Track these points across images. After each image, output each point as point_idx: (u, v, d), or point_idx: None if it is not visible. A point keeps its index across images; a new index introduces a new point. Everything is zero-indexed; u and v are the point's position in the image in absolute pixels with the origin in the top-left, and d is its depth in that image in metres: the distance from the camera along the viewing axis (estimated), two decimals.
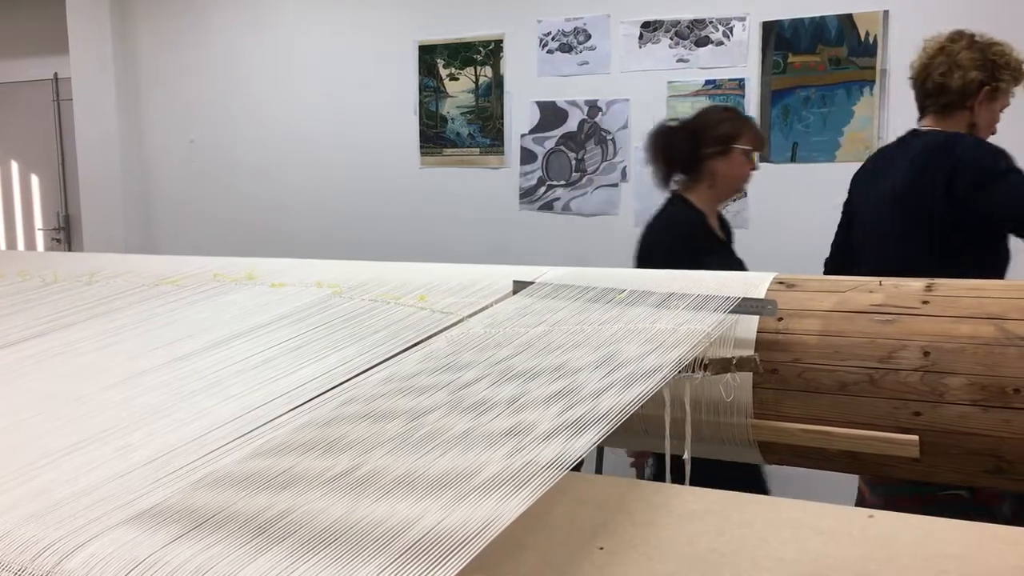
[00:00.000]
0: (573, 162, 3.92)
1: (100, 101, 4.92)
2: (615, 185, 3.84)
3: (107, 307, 1.60)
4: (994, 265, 2.20)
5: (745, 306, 1.39)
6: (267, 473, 0.89)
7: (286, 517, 0.79)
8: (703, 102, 3.67)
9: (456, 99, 4.16)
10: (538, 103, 3.97)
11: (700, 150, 2.52)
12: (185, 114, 4.84)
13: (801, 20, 3.47)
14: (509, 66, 4.02)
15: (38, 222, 5.82)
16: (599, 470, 3.50)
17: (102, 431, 1.04)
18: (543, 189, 3.99)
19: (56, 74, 5.45)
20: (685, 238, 2.54)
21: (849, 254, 2.59)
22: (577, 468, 1.05)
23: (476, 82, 4.11)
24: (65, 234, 5.64)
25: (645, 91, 3.75)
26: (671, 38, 3.70)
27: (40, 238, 5.79)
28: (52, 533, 0.80)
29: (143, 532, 0.79)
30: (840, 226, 2.68)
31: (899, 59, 3.29)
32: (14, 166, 5.82)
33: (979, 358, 1.27)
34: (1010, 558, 0.79)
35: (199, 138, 4.82)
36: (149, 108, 4.96)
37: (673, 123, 2.67)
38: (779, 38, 3.52)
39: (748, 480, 2.56)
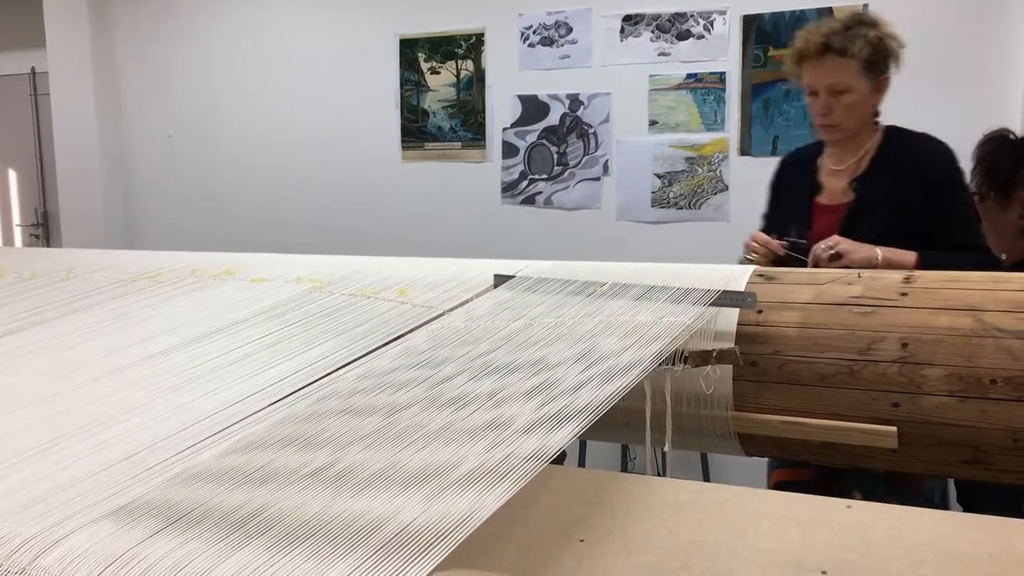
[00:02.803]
0: (555, 156, 3.92)
1: (78, 96, 4.87)
2: (597, 179, 3.84)
3: (84, 303, 1.59)
4: None
5: (725, 299, 1.40)
6: (245, 469, 0.88)
7: (264, 512, 0.79)
8: (684, 96, 3.68)
9: (437, 93, 4.15)
10: (520, 97, 3.97)
11: (1019, 175, 2.28)
12: (164, 109, 4.80)
13: (782, 14, 3.48)
14: (490, 60, 4.01)
15: (16, 218, 5.76)
16: (582, 463, 3.51)
17: (79, 427, 1.03)
18: (525, 183, 3.99)
19: (33, 68, 5.39)
20: None
21: None
22: (560, 461, 1.05)
23: (457, 76, 4.10)
24: (43, 230, 5.59)
25: (627, 85, 3.76)
26: (652, 31, 3.70)
27: (18, 234, 5.74)
28: (28, 529, 0.79)
29: (120, 528, 0.78)
30: None
31: None
32: None
33: (957, 349, 1.28)
34: (985, 547, 0.80)
35: (178, 133, 4.78)
36: (127, 103, 4.91)
37: (1012, 136, 2.39)
38: (760, 31, 3.53)
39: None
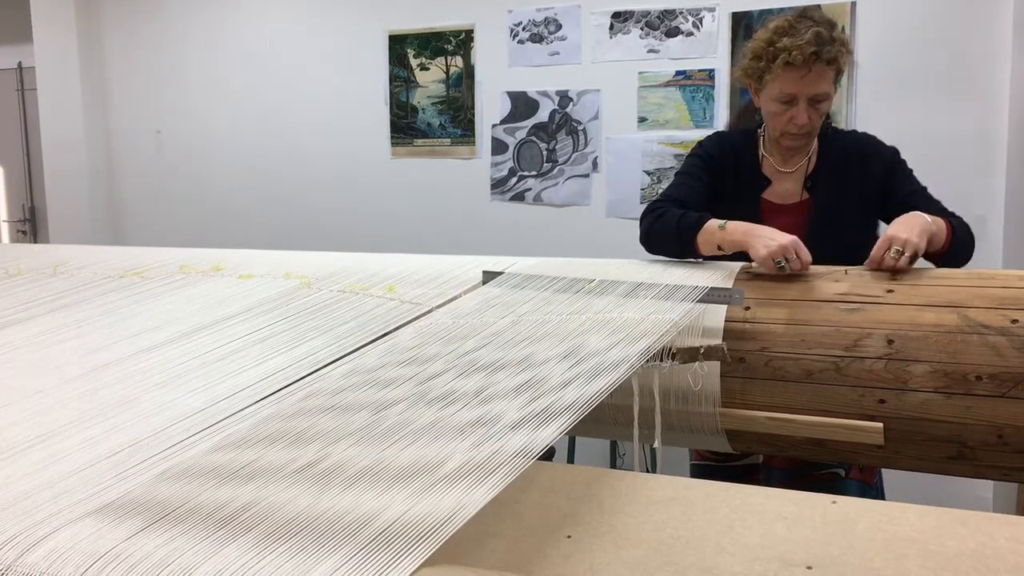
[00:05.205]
0: (544, 152, 3.92)
1: (65, 90, 4.84)
2: (586, 176, 3.84)
3: (71, 299, 1.58)
4: None
5: (713, 295, 1.40)
6: (231, 465, 0.88)
7: (250, 509, 0.79)
8: (674, 93, 3.68)
9: (427, 89, 4.14)
10: (509, 93, 3.96)
11: None
12: (152, 104, 4.78)
13: (770, 11, 3.49)
14: (480, 56, 4.01)
15: (3, 214, 5.73)
16: (571, 459, 3.52)
17: (65, 424, 1.03)
18: (514, 179, 3.99)
19: (20, 63, 5.36)
20: None
21: None
22: (549, 457, 1.05)
23: (447, 72, 4.09)
24: (31, 226, 5.56)
25: (616, 81, 3.75)
26: (641, 28, 3.70)
27: (5, 230, 5.71)
28: (13, 527, 0.79)
29: (105, 525, 0.78)
30: None
31: (867, 50, 3.32)
32: None
33: (942, 346, 1.29)
34: (968, 541, 0.80)
35: (166, 128, 4.76)
36: (115, 98, 4.89)
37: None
38: (748, 29, 3.54)
39: None
